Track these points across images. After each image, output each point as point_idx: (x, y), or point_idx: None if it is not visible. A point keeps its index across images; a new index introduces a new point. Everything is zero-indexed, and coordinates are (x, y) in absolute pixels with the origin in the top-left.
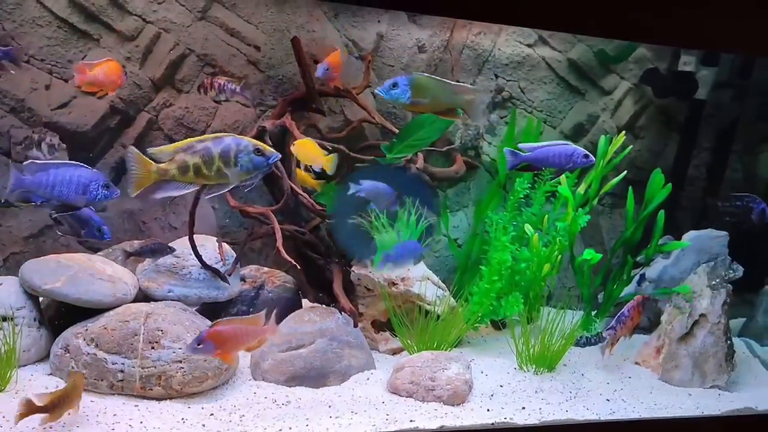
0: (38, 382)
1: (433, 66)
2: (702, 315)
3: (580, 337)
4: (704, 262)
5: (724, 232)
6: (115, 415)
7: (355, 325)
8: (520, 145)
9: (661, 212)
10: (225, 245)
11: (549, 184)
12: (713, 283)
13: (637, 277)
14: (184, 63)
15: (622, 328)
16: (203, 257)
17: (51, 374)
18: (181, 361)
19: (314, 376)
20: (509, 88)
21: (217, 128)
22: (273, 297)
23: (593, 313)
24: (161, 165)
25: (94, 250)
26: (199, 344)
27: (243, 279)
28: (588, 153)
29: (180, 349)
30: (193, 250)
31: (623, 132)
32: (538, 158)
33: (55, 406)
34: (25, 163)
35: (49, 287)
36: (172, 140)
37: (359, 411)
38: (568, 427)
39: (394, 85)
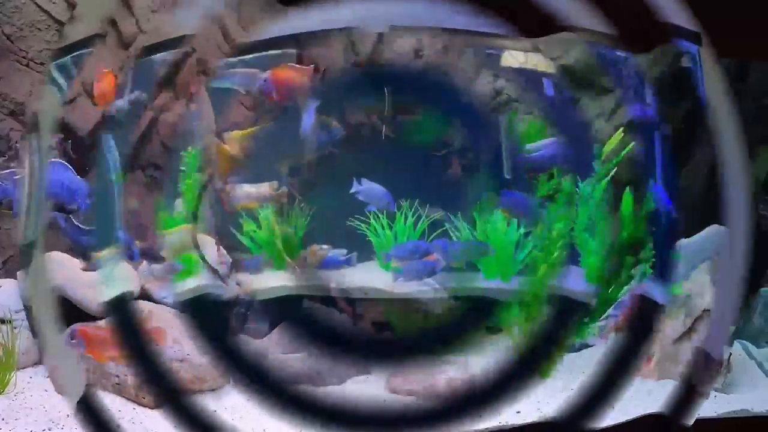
0: (37, 384)
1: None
2: (699, 317)
3: (574, 344)
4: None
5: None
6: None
7: (355, 325)
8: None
9: None
10: (222, 249)
11: (548, 185)
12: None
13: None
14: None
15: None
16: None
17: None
18: (181, 362)
19: (313, 377)
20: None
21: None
22: None
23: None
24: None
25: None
26: (72, 338)
27: (238, 284)
28: None
29: (180, 350)
30: (195, 248)
31: (621, 129)
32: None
33: None
34: (2, 172)
35: None
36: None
37: None
38: None
39: None
